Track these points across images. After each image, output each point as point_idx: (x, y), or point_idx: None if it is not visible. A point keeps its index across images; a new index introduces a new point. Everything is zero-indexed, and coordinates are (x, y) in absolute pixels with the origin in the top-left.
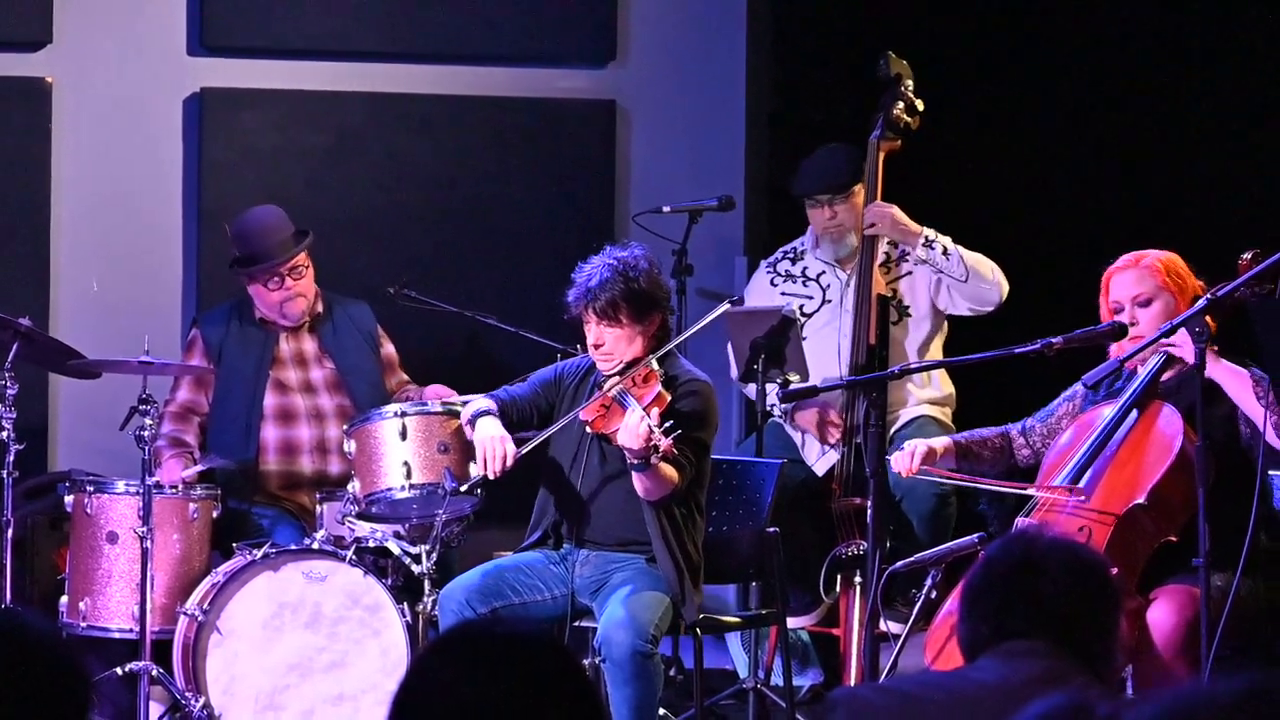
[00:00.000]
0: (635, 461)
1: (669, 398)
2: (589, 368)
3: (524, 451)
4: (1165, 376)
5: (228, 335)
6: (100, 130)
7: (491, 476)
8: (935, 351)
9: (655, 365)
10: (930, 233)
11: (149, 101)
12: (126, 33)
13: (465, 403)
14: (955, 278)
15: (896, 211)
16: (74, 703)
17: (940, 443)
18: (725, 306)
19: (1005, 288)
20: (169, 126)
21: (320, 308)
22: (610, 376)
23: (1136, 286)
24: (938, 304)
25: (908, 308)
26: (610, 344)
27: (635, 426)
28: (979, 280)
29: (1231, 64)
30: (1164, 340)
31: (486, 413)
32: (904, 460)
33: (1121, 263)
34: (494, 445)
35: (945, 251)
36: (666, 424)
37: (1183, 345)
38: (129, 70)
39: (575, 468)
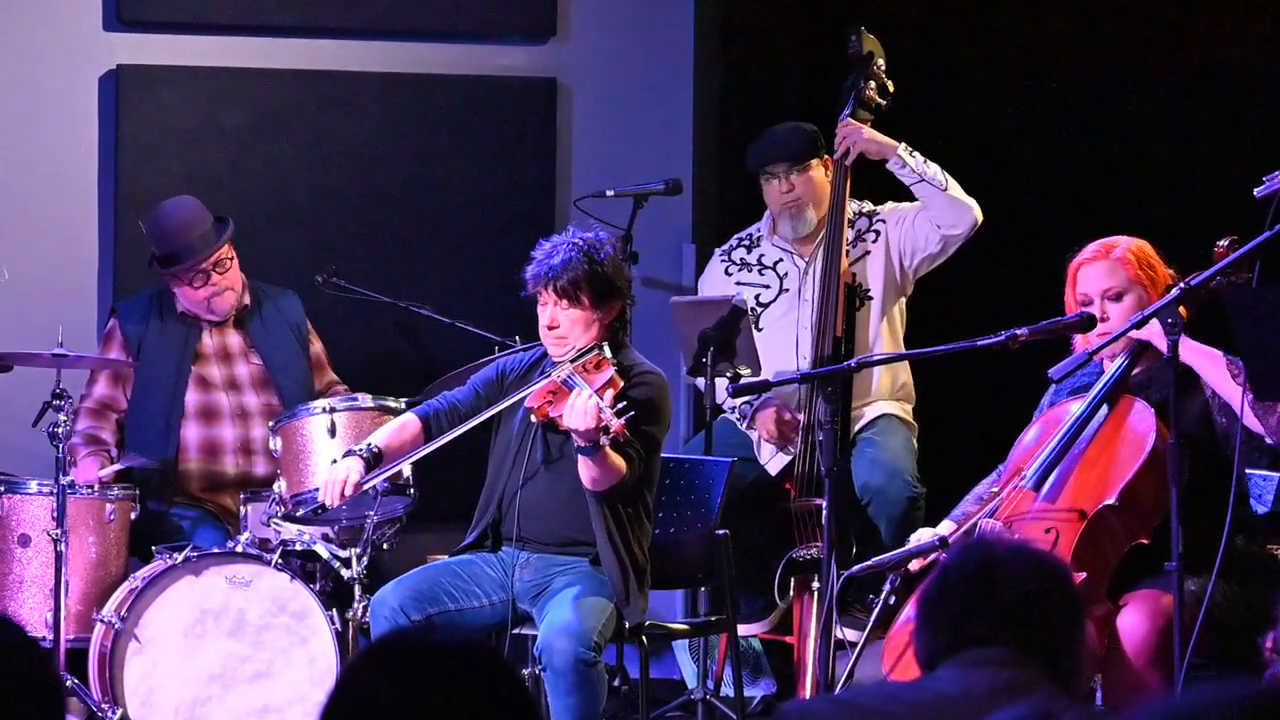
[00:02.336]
0: (583, 444)
1: (622, 383)
2: (534, 361)
3: (372, 479)
4: (1136, 370)
5: (148, 328)
6: (11, 109)
7: (330, 504)
8: (897, 335)
9: (608, 354)
10: (905, 145)
11: (63, 79)
12: (39, 6)
13: (410, 405)
14: (936, 186)
15: (866, 128)
16: (53, 711)
17: (948, 527)
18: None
19: (979, 212)
20: (84, 105)
21: (248, 300)
22: (560, 364)
23: (1107, 279)
24: (905, 261)
25: (868, 291)
26: (566, 326)
27: (584, 405)
28: (956, 192)
29: (1208, 46)
30: (1135, 330)
31: (353, 454)
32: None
33: (1090, 253)
34: (334, 473)
35: (925, 161)
36: (619, 405)
37: (1154, 334)
38: (42, 46)
39: (518, 462)
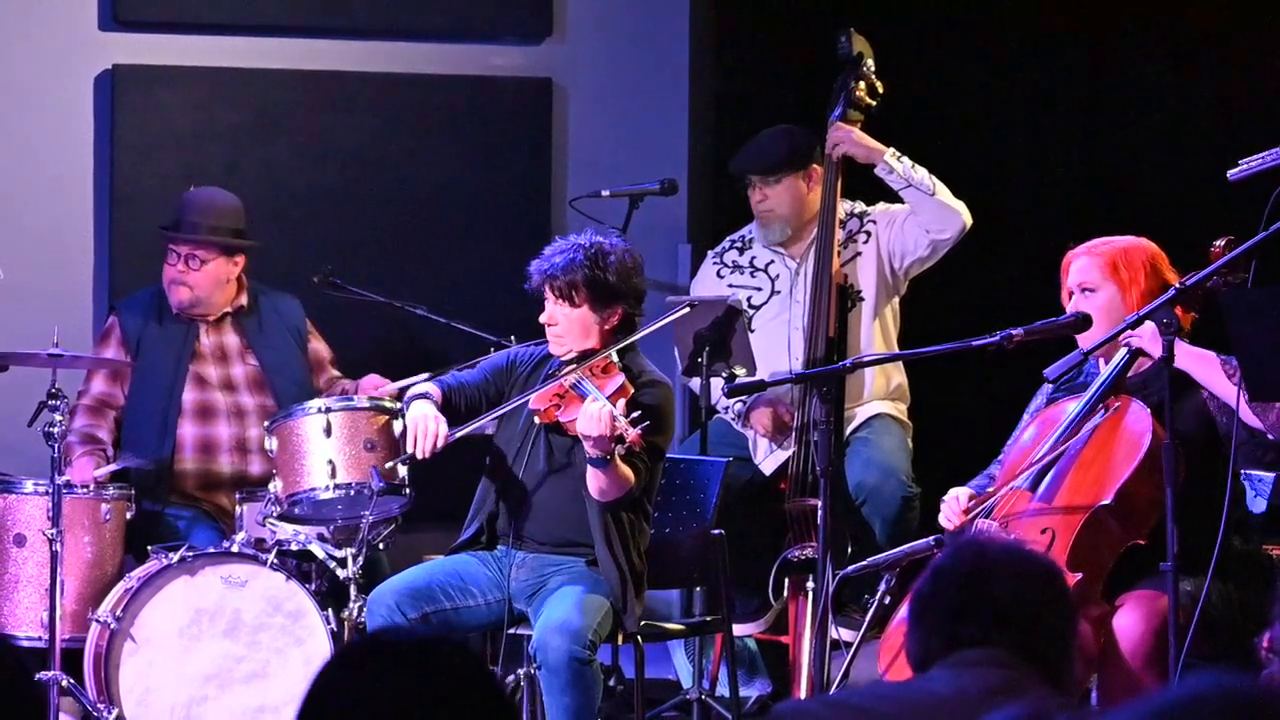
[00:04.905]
0: (596, 454)
1: (632, 390)
2: (543, 357)
3: (457, 434)
4: (1132, 371)
5: (147, 326)
6: (7, 109)
7: (420, 456)
8: (890, 336)
9: (615, 358)
10: (893, 149)
11: (58, 79)
12: (34, 5)
13: (402, 394)
14: (924, 191)
15: (856, 131)
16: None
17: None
18: (684, 310)
19: (968, 216)
20: (79, 105)
21: (244, 301)
22: (566, 366)
23: (1082, 274)
24: (895, 263)
25: (859, 293)
26: (563, 325)
27: (597, 413)
28: (944, 197)
29: (1205, 44)
30: (1127, 333)
31: (422, 396)
32: (953, 509)
33: (1081, 248)
34: (426, 423)
35: (913, 166)
36: (633, 415)
37: (1147, 338)
38: (37, 45)
39: (519, 462)
